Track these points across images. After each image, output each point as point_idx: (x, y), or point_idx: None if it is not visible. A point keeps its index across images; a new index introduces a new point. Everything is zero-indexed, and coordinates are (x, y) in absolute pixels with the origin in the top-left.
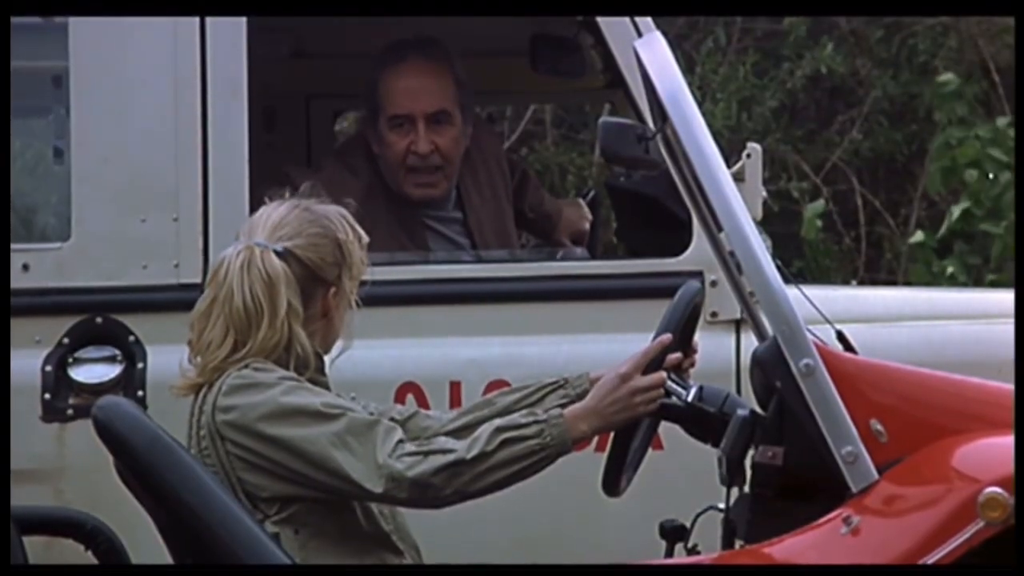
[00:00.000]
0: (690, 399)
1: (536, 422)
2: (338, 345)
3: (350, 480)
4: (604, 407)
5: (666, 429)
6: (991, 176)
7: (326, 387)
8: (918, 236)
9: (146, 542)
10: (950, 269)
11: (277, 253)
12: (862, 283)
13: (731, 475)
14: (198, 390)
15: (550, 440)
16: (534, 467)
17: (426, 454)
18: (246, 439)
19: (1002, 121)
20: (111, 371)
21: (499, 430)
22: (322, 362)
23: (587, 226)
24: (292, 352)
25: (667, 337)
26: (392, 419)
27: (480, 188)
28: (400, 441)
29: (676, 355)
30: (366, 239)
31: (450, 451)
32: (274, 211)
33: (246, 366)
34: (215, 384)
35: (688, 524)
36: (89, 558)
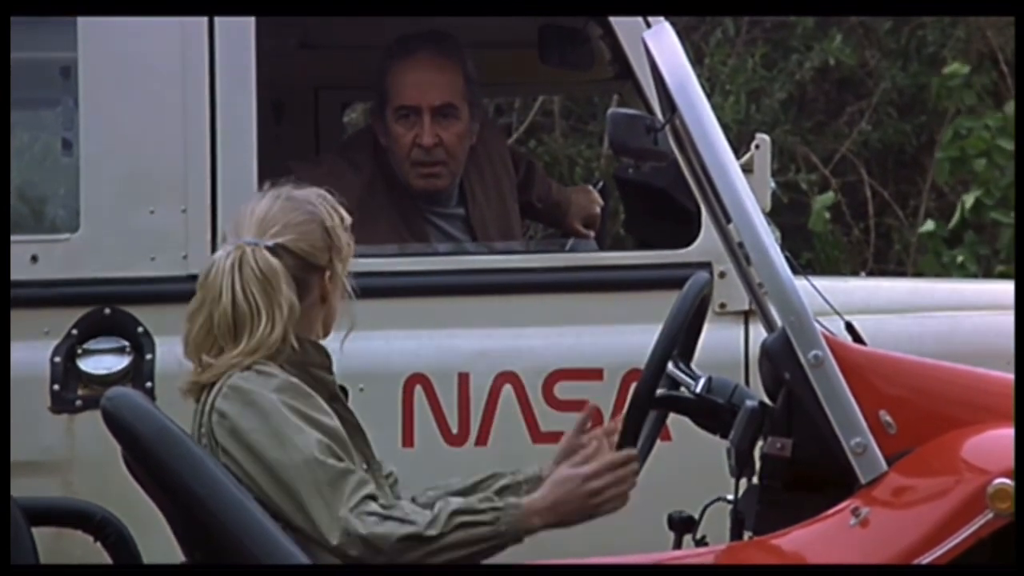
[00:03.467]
0: (699, 390)
1: (493, 508)
2: (344, 338)
3: (312, 522)
4: (561, 505)
5: (675, 420)
6: (1001, 164)
7: (332, 385)
8: (928, 226)
9: (155, 533)
10: (960, 259)
11: (269, 249)
12: (871, 274)
13: (740, 466)
14: (203, 387)
15: (504, 528)
16: (486, 552)
17: (386, 517)
18: (233, 447)
19: (1010, 107)
20: (120, 362)
21: (456, 513)
22: (328, 358)
23: (598, 210)
24: (294, 348)
25: (613, 424)
26: (390, 473)
27: (485, 186)
28: (366, 497)
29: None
30: (349, 220)
31: (410, 522)
32: (256, 206)
33: (247, 367)
34: (216, 384)
35: (696, 515)
36: (98, 549)
